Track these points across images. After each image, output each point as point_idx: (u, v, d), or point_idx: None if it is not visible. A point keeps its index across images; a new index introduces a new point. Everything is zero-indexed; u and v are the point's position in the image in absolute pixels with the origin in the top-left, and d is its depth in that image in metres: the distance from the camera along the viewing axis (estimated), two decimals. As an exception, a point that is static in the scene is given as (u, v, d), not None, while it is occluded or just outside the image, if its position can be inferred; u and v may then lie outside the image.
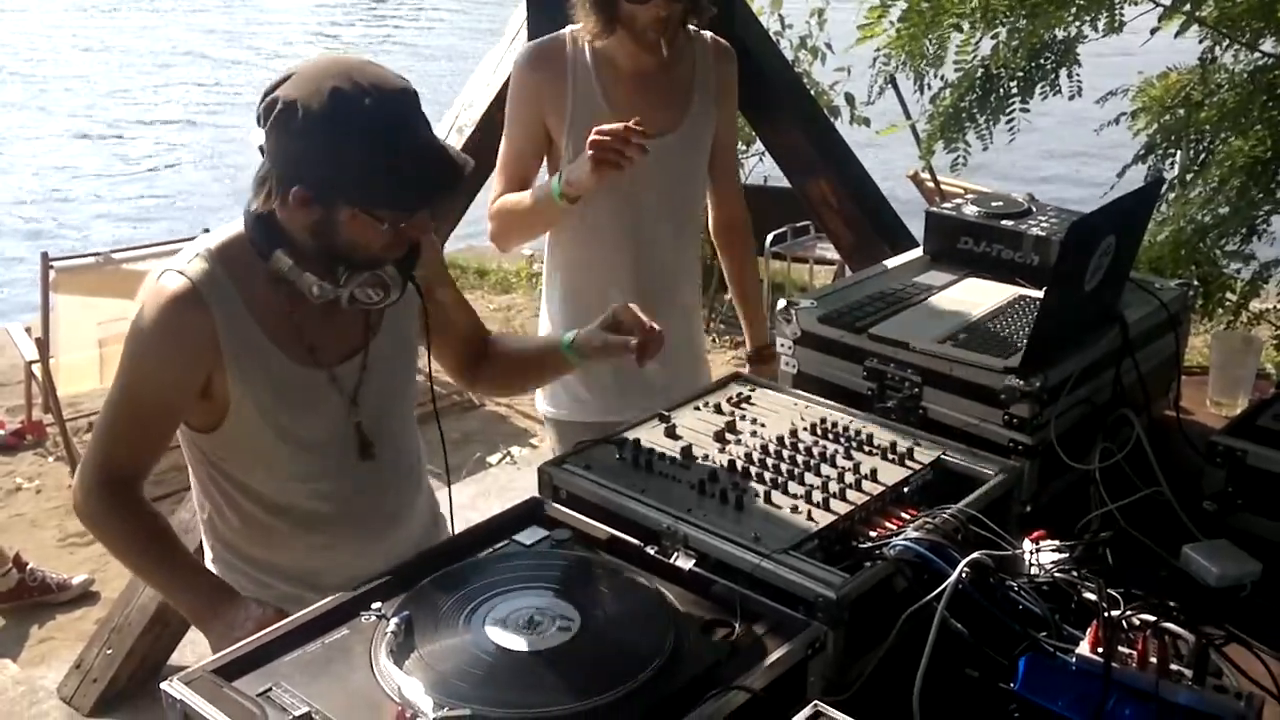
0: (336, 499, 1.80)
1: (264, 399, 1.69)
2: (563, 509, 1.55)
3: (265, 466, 1.76)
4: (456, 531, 1.65)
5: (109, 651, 3.26)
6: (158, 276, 1.67)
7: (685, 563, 1.42)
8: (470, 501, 2.53)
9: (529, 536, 1.50)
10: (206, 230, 1.74)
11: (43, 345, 4.61)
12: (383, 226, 1.61)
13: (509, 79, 2.38)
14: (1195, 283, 2.29)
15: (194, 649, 3.17)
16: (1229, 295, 3.76)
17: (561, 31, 2.34)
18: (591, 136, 2.11)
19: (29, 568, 3.91)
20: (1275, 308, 4.15)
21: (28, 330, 4.98)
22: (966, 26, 3.94)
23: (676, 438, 1.72)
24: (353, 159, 1.55)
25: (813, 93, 5.55)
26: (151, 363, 1.67)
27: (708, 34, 2.45)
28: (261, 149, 1.62)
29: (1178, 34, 3.89)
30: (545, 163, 2.40)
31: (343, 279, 1.64)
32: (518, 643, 1.25)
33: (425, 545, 1.90)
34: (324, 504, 1.80)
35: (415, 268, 1.71)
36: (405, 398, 1.90)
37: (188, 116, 12.58)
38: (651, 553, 1.44)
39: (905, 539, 1.42)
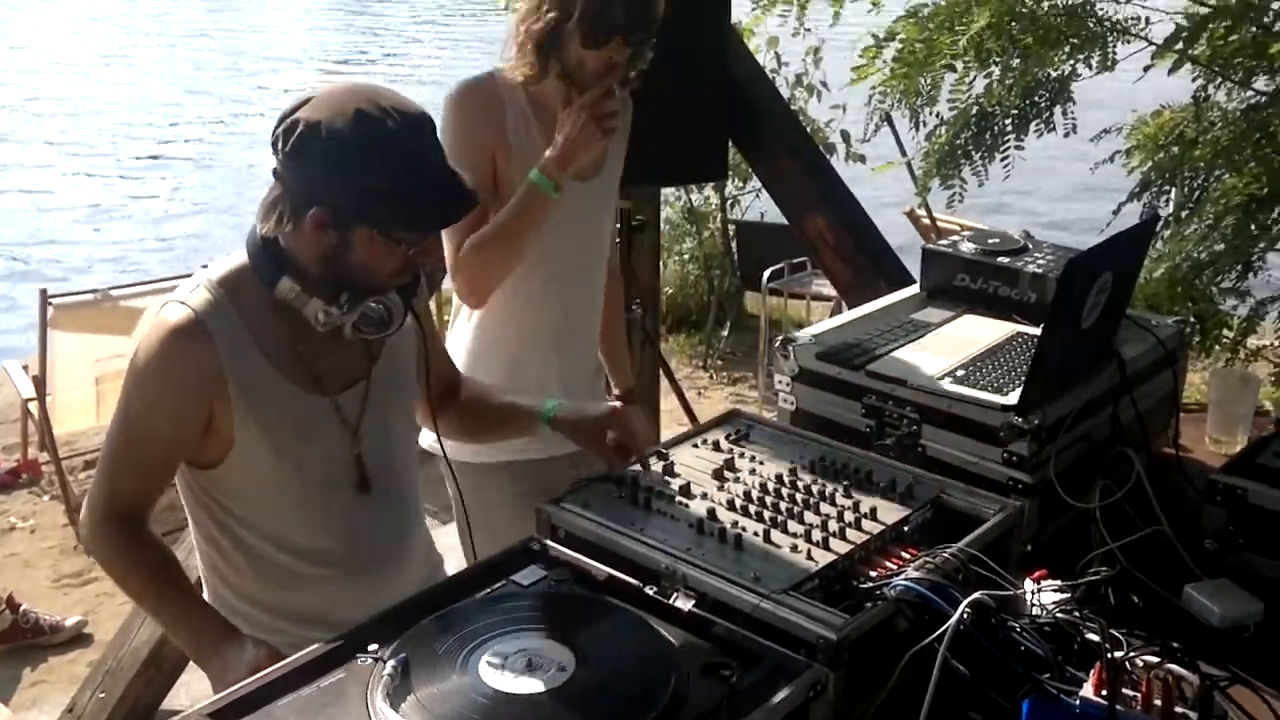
0: (339, 533, 1.79)
1: (270, 427, 1.69)
2: (561, 548, 1.54)
3: (269, 500, 1.75)
4: (459, 568, 1.64)
5: (102, 695, 3.23)
6: (160, 308, 1.67)
7: (685, 603, 1.41)
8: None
9: (527, 577, 1.48)
10: (204, 267, 1.74)
11: (39, 383, 4.59)
12: (399, 248, 1.62)
13: (444, 123, 2.24)
14: (1192, 320, 2.30)
15: (188, 692, 3.14)
16: (1226, 332, 3.77)
17: (489, 70, 2.28)
18: (585, 108, 2.13)
19: (22, 609, 3.88)
20: (1272, 344, 4.16)
21: (25, 368, 4.97)
22: (960, 66, 3.97)
23: (675, 475, 1.71)
24: (376, 180, 1.57)
25: (809, 130, 5.58)
26: (155, 394, 1.67)
27: None
28: (276, 173, 1.63)
29: (1170, 72, 3.93)
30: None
31: (345, 306, 1.64)
32: (516, 685, 1.24)
33: (427, 585, 1.90)
34: (326, 538, 1.79)
35: (416, 294, 1.72)
36: (404, 431, 1.89)
37: (191, 155, 12.62)
38: (651, 593, 1.43)
39: (906, 579, 1.41)
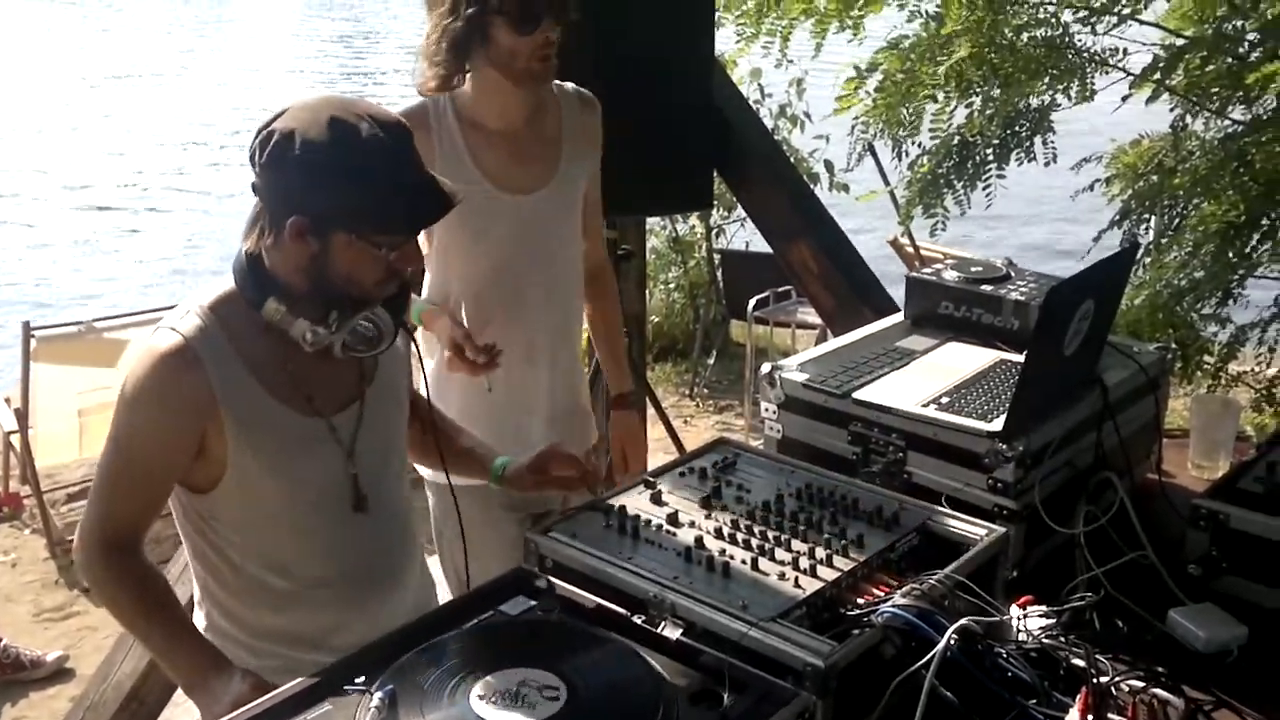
0: (333, 555, 1.79)
1: (263, 451, 1.68)
2: (549, 578, 1.54)
3: (264, 523, 1.74)
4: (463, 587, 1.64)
5: (84, 729, 3.19)
6: (150, 335, 1.67)
7: (673, 632, 1.41)
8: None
9: (514, 607, 1.48)
10: (193, 294, 1.74)
11: (21, 416, 4.57)
12: (379, 254, 1.62)
13: None
14: (1173, 346, 2.32)
15: (171, 726, 3.11)
16: (1207, 358, 3.80)
17: (422, 99, 2.26)
18: (451, 351, 2.19)
19: (2, 644, 3.85)
20: (1253, 370, 4.19)
21: (6, 400, 4.95)
22: (941, 96, 4.02)
23: (662, 504, 1.71)
24: (352, 183, 1.57)
25: (792, 160, 5.62)
26: (146, 420, 1.66)
27: (569, 85, 2.38)
28: (254, 186, 1.64)
29: (1148, 102, 3.98)
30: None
31: (334, 325, 1.65)
32: (505, 717, 1.23)
33: (421, 610, 1.89)
34: (321, 560, 1.78)
35: (405, 310, 1.72)
36: (397, 451, 1.89)
37: (183, 188, 12.59)
38: (639, 622, 1.43)
39: (893, 605, 1.41)
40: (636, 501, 1.72)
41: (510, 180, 2.27)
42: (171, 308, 1.76)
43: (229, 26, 25.20)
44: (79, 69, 19.62)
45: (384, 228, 1.62)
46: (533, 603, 1.49)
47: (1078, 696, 1.34)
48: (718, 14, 3.54)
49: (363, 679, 1.30)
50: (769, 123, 6.17)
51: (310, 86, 18.72)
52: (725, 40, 4.16)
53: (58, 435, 4.56)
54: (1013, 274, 2.36)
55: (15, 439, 4.70)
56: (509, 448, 2.05)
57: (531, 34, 2.12)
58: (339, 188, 1.58)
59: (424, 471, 2.31)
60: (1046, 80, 3.86)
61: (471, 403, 2.29)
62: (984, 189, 4.00)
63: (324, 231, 1.60)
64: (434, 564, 2.29)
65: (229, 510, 1.73)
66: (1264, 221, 3.69)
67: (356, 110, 1.60)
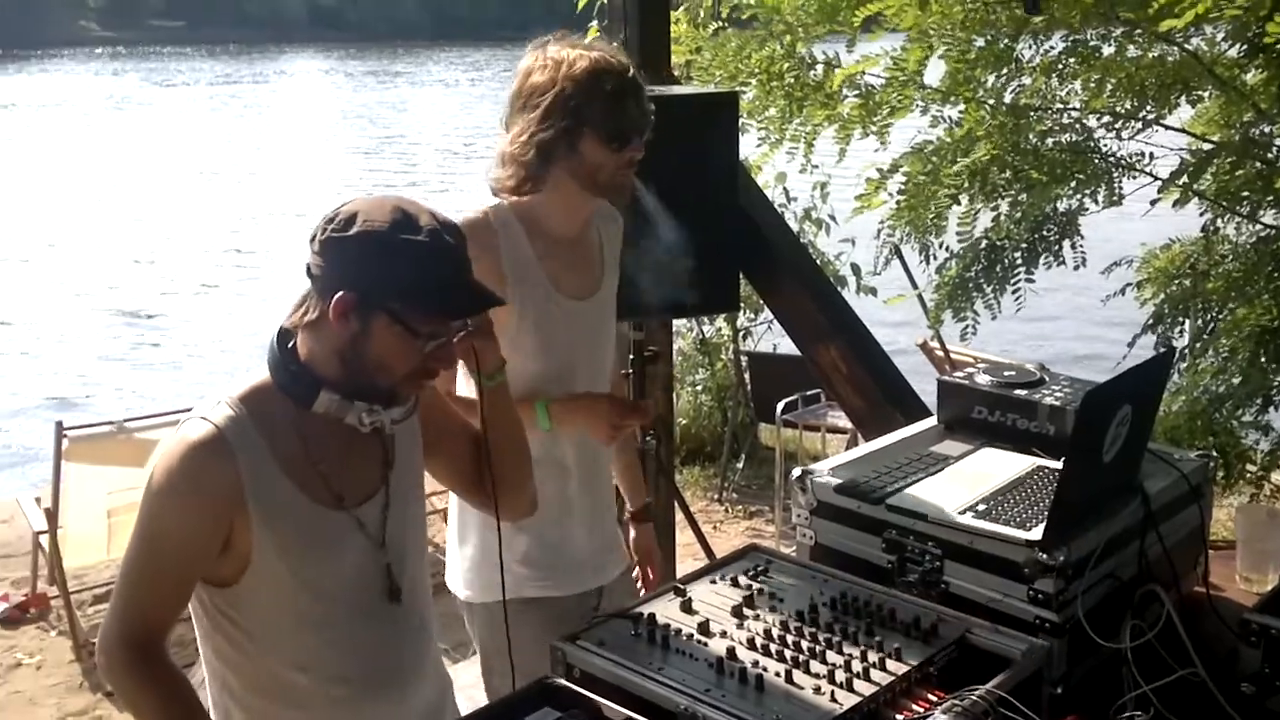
0: (360, 651, 1.77)
1: (289, 547, 1.68)
2: (576, 688, 1.50)
3: (287, 620, 1.73)
4: (472, 707, 1.60)
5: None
6: (182, 424, 1.68)
7: (704, 748, 1.36)
8: (477, 680, 2.44)
9: (541, 718, 1.44)
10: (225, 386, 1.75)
11: (51, 516, 4.57)
12: (416, 343, 1.65)
13: None
14: (1214, 453, 2.27)
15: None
16: (1249, 466, 3.73)
17: (479, 207, 2.28)
18: (613, 422, 2.28)
19: (22, 749, 3.79)
20: (1297, 478, 4.11)
21: (37, 500, 4.96)
22: (965, 200, 4.04)
23: (693, 612, 1.68)
24: (405, 263, 1.62)
25: (818, 263, 5.65)
26: (175, 509, 1.66)
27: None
28: (308, 268, 1.67)
29: (1175, 206, 3.99)
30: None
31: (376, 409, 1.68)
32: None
33: (437, 711, 1.88)
34: (346, 658, 1.76)
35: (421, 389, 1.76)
36: (419, 531, 1.89)
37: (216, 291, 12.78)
38: (669, 737, 1.39)
39: (933, 723, 1.36)
40: (666, 609, 1.69)
41: (570, 286, 2.31)
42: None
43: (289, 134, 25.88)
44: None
45: (428, 311, 1.65)
46: (559, 714, 1.45)
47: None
48: (742, 120, 3.60)
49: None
50: (794, 225, 6.22)
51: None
52: (749, 146, 4.22)
53: (87, 535, 4.55)
54: (1046, 378, 2.33)
55: (45, 539, 4.69)
56: (554, 559, 2.25)
57: (621, 151, 2.18)
58: (392, 265, 1.62)
59: (466, 592, 2.34)
60: (1073, 184, 3.88)
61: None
62: (1013, 293, 3.99)
63: (368, 310, 1.63)
64: (457, 672, 2.25)
65: (251, 605, 1.72)
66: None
67: (420, 206, 1.68)
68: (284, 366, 1.68)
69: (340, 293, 1.62)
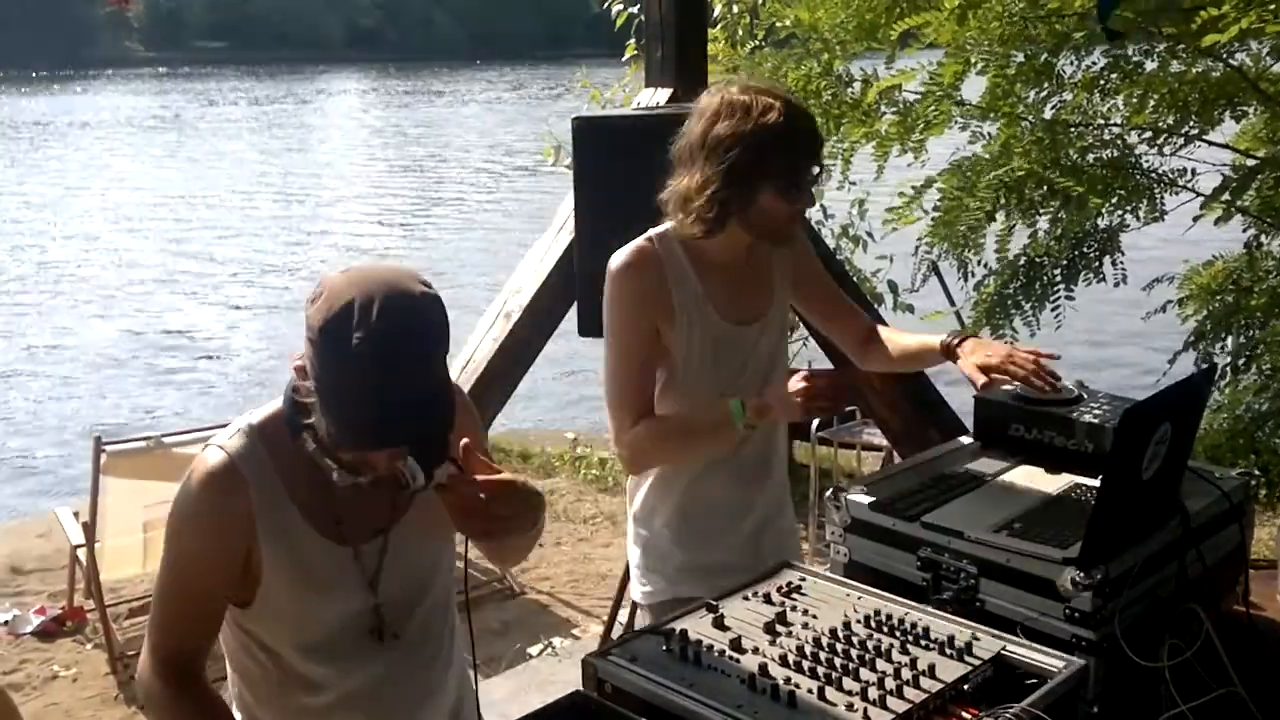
0: (360, 681, 1.78)
1: (291, 578, 1.70)
2: (608, 704, 1.49)
3: (295, 641, 1.75)
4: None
5: None
6: (201, 451, 1.70)
7: (735, 765, 1.35)
8: (510, 695, 2.44)
9: (571, 734, 1.44)
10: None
11: (89, 530, 4.62)
12: (347, 457, 1.62)
13: (607, 294, 2.27)
14: (1256, 472, 2.23)
15: None
16: (1292, 485, 3.67)
17: (644, 237, 2.29)
18: (809, 396, 2.14)
19: (59, 759, 3.82)
20: (1340, 497, 4.04)
21: (75, 514, 5.02)
22: (1002, 216, 4.02)
23: (725, 628, 1.67)
24: (330, 373, 1.52)
25: (855, 280, 5.62)
26: (194, 538, 1.70)
27: None
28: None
29: (1218, 222, 3.94)
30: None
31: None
32: None
33: None
34: (349, 681, 1.77)
35: (436, 460, 1.57)
36: (435, 582, 1.87)
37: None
38: (700, 753, 1.38)
39: (968, 742, 1.34)
40: (698, 625, 1.68)
41: (738, 312, 2.32)
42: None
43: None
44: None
45: (341, 442, 1.57)
46: (590, 730, 1.44)
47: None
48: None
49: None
50: (831, 243, 6.20)
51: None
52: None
53: (123, 549, 4.59)
54: (1084, 395, 2.31)
55: (82, 553, 4.74)
56: (725, 560, 2.27)
57: (794, 203, 2.20)
58: (323, 369, 1.53)
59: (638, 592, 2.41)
60: (1114, 200, 3.85)
61: (685, 502, 2.38)
62: (1053, 310, 3.96)
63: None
64: (489, 688, 2.25)
65: (264, 623, 1.75)
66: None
67: (377, 302, 1.49)
68: (289, 398, 1.67)
69: (298, 361, 1.59)
